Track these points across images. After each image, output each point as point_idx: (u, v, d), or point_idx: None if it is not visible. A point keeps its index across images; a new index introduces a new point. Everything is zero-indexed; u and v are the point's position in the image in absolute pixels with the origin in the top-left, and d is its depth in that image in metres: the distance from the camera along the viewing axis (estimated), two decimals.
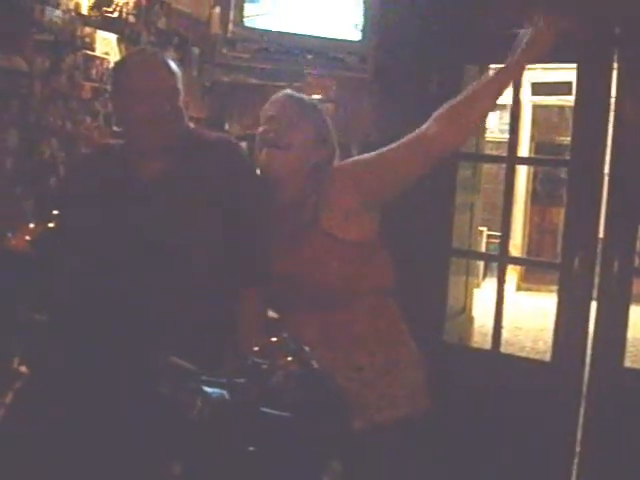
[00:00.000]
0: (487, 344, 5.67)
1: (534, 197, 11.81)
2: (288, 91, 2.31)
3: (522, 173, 10.89)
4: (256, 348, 0.86)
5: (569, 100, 9.98)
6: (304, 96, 2.33)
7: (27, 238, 0.78)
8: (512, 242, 10.68)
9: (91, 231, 2.03)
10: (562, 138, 11.01)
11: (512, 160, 3.90)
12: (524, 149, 10.65)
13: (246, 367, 0.82)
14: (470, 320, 4.85)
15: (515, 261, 7.97)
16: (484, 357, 3.98)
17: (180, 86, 2.17)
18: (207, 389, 0.85)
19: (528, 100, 10.58)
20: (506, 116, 10.65)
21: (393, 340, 2.25)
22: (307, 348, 0.85)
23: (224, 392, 0.84)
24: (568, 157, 3.72)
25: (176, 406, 0.83)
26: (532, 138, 11.03)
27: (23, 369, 0.68)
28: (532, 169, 11.56)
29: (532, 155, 11.17)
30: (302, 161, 2.15)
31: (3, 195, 2.85)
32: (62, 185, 2.46)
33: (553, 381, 3.60)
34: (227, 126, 4.01)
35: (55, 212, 0.80)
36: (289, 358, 0.82)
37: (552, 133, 11.55)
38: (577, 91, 3.63)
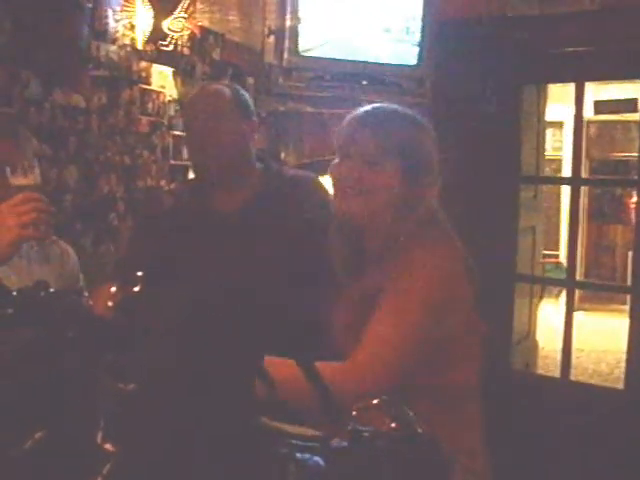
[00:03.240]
0: (549, 368, 5.50)
1: (590, 215, 11.56)
2: (366, 110, 1.66)
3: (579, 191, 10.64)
4: (354, 412, 0.78)
5: (624, 116, 9.80)
6: (388, 110, 1.66)
7: (109, 304, 0.72)
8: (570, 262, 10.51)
9: (175, 272, 2.02)
10: (618, 154, 10.77)
11: (577, 181, 3.78)
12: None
13: (346, 433, 0.75)
14: (535, 345, 4.70)
15: (584, 286, 7.66)
16: (554, 384, 3.84)
17: (248, 118, 2.15)
18: (300, 455, 0.78)
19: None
20: (558, 133, 10.50)
21: None
22: (411, 412, 0.77)
23: (318, 459, 0.77)
24: (635, 176, 3.58)
25: (268, 473, 0.76)
26: (587, 155, 10.79)
27: (108, 447, 0.63)
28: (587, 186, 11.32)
29: (588, 173, 10.94)
30: (387, 206, 1.58)
31: (62, 232, 2.84)
32: (140, 233, 2.40)
33: (627, 410, 3.44)
34: (283, 155, 3.97)
35: (139, 274, 0.74)
36: (392, 424, 0.74)
37: (607, 150, 11.30)
38: None
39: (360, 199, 1.60)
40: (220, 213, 2.13)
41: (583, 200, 11.14)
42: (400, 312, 1.51)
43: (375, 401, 0.80)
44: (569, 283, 3.83)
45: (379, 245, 1.64)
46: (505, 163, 3.81)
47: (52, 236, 2.17)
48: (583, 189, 10.94)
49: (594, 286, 8.32)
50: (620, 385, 3.68)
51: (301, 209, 2.10)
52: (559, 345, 6.33)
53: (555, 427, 3.46)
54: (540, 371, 4.90)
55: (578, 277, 10.05)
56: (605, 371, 7.09)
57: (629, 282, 9.64)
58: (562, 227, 10.80)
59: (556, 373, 5.03)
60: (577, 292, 9.81)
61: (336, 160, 1.68)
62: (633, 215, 11.20)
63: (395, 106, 1.68)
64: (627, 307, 9.14)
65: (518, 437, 3.41)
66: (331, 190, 1.74)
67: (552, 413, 3.51)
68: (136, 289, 0.72)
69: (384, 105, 1.68)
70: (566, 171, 10.25)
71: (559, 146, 10.55)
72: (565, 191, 10.34)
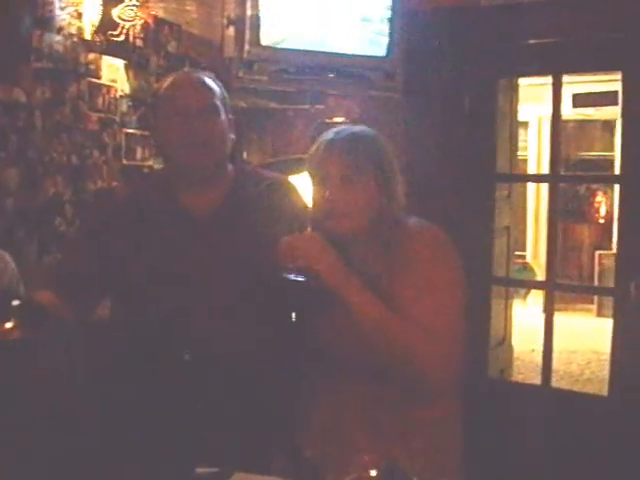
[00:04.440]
0: (520, 370, 5.33)
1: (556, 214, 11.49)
2: (335, 135, 1.83)
3: (544, 190, 10.58)
4: None
5: (588, 114, 9.73)
6: (356, 132, 1.85)
7: None
8: (536, 262, 10.41)
9: (137, 276, 1.85)
10: (583, 153, 10.69)
11: (555, 179, 3.61)
12: (544, 167, 10.36)
13: None
14: (510, 349, 4.53)
15: (564, 288, 7.00)
16: (534, 393, 3.66)
17: (224, 107, 1.95)
18: None
19: (546, 116, 10.33)
20: (523, 133, 10.42)
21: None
22: None
23: None
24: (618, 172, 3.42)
25: None
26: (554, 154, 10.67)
27: None
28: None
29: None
30: (367, 215, 1.79)
31: (3, 239, 2.59)
32: (86, 231, 2.13)
33: (612, 417, 3.27)
34: (245, 155, 3.74)
35: (16, 302, 0.53)
36: None
37: (571, 149, 11.25)
38: (623, 101, 3.35)
39: (347, 220, 1.78)
40: (190, 213, 1.92)
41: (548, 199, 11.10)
42: (436, 282, 1.74)
43: (373, 472, 0.59)
44: (549, 286, 3.65)
45: (365, 240, 1.81)
46: (479, 161, 3.64)
47: None
48: (547, 188, 10.91)
49: (574, 288, 8.02)
50: (595, 389, 3.52)
51: (277, 213, 1.93)
52: (529, 347, 6.18)
53: (539, 440, 3.28)
54: (516, 376, 4.75)
55: (546, 278, 9.97)
56: (576, 372, 7.05)
57: (596, 282, 9.63)
58: (528, 227, 10.73)
59: (530, 377, 4.91)
60: (544, 292, 9.76)
61: (314, 186, 1.83)
62: (598, 214, 11.23)
63: (360, 127, 1.90)
64: (594, 307, 9.14)
65: (499, 453, 3.23)
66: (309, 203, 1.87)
67: (535, 424, 3.33)
68: (8, 326, 0.49)
69: (350, 128, 1.89)
70: (531, 170, 10.17)
71: (524, 146, 10.48)
72: (530, 190, 10.29)
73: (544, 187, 10.62)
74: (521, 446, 3.26)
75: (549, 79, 3.49)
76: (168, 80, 2.00)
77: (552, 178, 3.61)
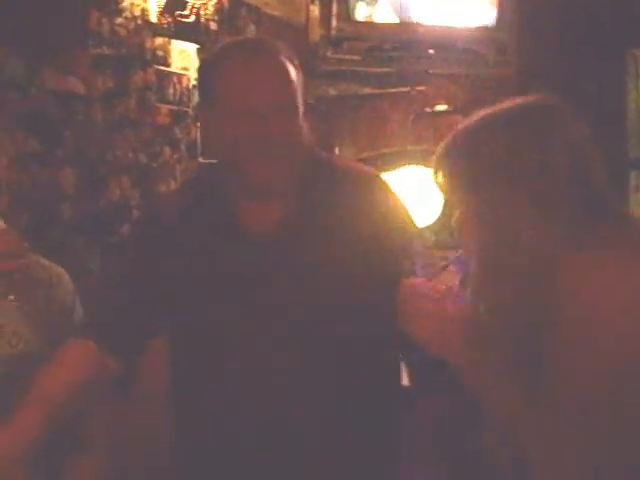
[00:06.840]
0: None
1: None
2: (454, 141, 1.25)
3: None
4: None
5: None
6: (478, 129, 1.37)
7: None
8: None
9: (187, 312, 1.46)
10: None
11: None
12: None
13: None
14: None
15: None
16: None
17: (301, 91, 1.47)
18: None
19: None
20: None
21: None
22: None
23: None
24: None
25: None
26: None
27: None
28: None
29: None
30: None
31: (60, 249, 2.26)
32: (136, 243, 1.70)
33: None
34: (337, 150, 3.33)
35: None
36: None
37: None
38: None
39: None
40: (252, 232, 1.47)
41: None
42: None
43: None
44: None
45: None
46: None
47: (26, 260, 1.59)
48: None
49: None
50: None
51: (365, 215, 1.47)
52: None
53: None
54: None
55: None
56: None
57: None
58: None
59: None
60: None
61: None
62: None
63: (486, 116, 1.19)
64: None
65: None
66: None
67: None
68: None
69: (470, 125, 1.20)
70: None
71: None
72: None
73: None
74: None
75: None
76: (228, 53, 1.50)
77: None
